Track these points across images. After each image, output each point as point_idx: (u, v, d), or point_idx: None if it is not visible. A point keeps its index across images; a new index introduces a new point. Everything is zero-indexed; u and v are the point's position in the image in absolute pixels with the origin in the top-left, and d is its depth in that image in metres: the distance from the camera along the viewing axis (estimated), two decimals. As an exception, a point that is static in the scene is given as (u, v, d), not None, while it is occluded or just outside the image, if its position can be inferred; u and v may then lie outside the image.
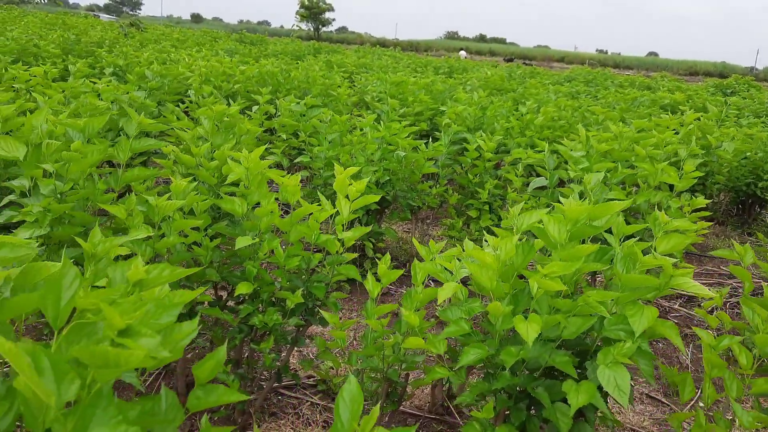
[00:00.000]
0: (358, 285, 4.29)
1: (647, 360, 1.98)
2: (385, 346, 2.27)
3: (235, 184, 2.83)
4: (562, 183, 4.72)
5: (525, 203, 3.96)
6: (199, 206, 2.65)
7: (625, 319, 1.94)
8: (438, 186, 4.65)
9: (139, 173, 2.76)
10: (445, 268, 2.25)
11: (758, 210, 6.94)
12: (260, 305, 2.52)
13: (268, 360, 2.42)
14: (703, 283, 5.05)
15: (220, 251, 2.70)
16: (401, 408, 2.84)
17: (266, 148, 4.81)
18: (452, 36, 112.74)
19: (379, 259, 4.57)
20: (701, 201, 3.63)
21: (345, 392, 1.20)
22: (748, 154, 6.30)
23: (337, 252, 2.58)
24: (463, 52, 47.12)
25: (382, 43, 49.77)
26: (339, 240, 2.53)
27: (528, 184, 4.11)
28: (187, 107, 5.05)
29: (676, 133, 5.12)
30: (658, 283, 1.95)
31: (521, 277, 2.13)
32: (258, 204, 2.59)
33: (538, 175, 4.12)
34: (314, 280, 2.55)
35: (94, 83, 4.50)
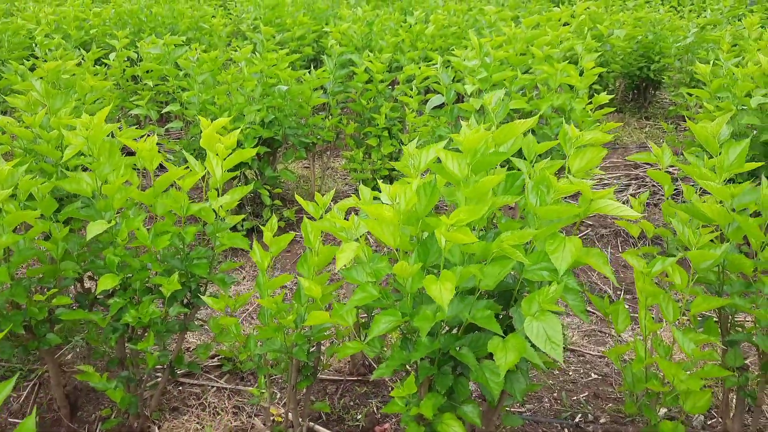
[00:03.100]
0: (256, 238, 3.93)
1: (575, 295, 1.77)
2: (286, 324, 1.96)
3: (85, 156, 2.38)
4: (461, 98, 4.44)
5: (424, 125, 3.67)
6: (40, 190, 2.19)
7: (545, 256, 1.70)
8: (331, 117, 4.27)
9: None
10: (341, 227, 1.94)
11: (653, 93, 6.94)
12: (134, 295, 2.14)
13: (151, 360, 2.07)
14: (605, 181, 4.99)
15: (79, 237, 2.27)
16: (319, 376, 2.58)
17: (132, 100, 4.26)
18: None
19: (279, 206, 4.23)
20: (604, 97, 3.42)
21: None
22: (639, 37, 6.21)
23: (218, 218, 2.21)
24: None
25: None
26: (215, 209, 2.16)
27: (426, 102, 3.80)
28: (33, 65, 4.38)
29: (567, 25, 4.90)
30: (578, 211, 1.71)
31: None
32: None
33: (435, 92, 3.81)
34: (193, 258, 2.19)
35: None
